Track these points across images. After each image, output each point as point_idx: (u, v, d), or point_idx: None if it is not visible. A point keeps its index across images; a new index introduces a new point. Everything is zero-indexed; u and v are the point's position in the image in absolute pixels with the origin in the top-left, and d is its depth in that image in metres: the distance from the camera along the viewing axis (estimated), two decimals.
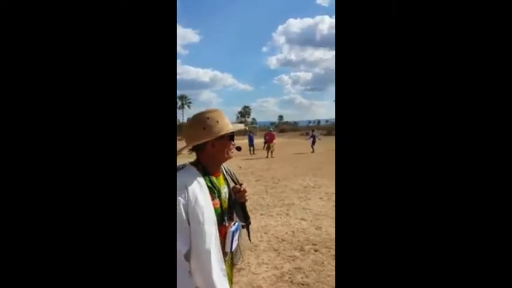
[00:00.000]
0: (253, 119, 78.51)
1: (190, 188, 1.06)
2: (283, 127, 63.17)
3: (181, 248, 1.01)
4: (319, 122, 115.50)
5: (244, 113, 74.10)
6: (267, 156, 14.15)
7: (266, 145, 14.96)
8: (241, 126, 1.40)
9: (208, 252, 1.04)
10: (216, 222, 1.10)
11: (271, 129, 19.53)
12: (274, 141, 15.17)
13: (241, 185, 1.29)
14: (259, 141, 18.99)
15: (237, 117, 73.31)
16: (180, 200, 1.03)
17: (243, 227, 1.31)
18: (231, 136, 1.21)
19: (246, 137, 18.19)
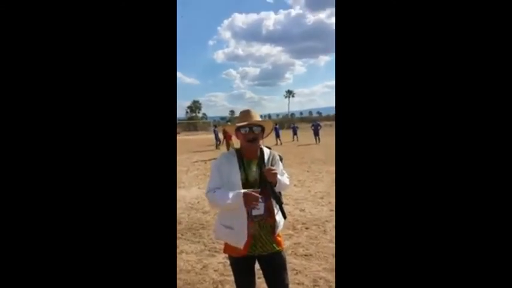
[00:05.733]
0: (204, 113, 77.56)
1: (219, 161, 1.64)
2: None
3: (214, 186, 1.58)
4: (269, 116, 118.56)
5: (194, 107, 72.61)
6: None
7: (225, 141, 15.16)
8: (252, 120, 1.62)
9: (227, 188, 1.56)
10: (239, 181, 1.55)
11: (229, 123, 19.70)
12: (233, 137, 15.41)
13: (270, 169, 1.55)
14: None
15: (187, 112, 71.57)
16: (216, 164, 1.63)
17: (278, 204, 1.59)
18: (247, 129, 1.57)
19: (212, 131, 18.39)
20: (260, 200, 1.50)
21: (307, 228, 3.67)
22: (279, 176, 1.57)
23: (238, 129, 1.60)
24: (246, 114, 1.65)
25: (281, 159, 1.72)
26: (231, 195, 1.48)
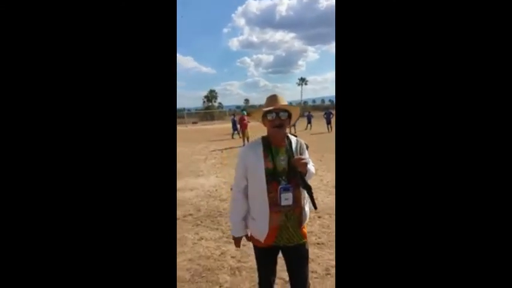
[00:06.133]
0: (220, 103, 77.84)
1: (245, 149, 1.63)
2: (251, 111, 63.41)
3: (239, 180, 1.61)
4: None
5: (211, 97, 72.95)
6: (243, 143, 14.37)
7: (241, 131, 15.25)
8: (278, 105, 1.55)
9: (254, 183, 1.58)
10: (262, 173, 1.52)
11: (245, 112, 19.60)
12: (248, 126, 15.40)
13: (300, 158, 1.52)
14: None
15: (204, 101, 72.06)
16: (241, 156, 1.61)
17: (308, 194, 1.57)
18: (274, 114, 1.51)
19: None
20: (289, 190, 1.49)
21: (319, 217, 3.80)
22: (308, 165, 1.52)
23: (264, 114, 1.55)
24: (272, 99, 1.58)
25: (307, 148, 1.67)
26: (235, 222, 1.64)
